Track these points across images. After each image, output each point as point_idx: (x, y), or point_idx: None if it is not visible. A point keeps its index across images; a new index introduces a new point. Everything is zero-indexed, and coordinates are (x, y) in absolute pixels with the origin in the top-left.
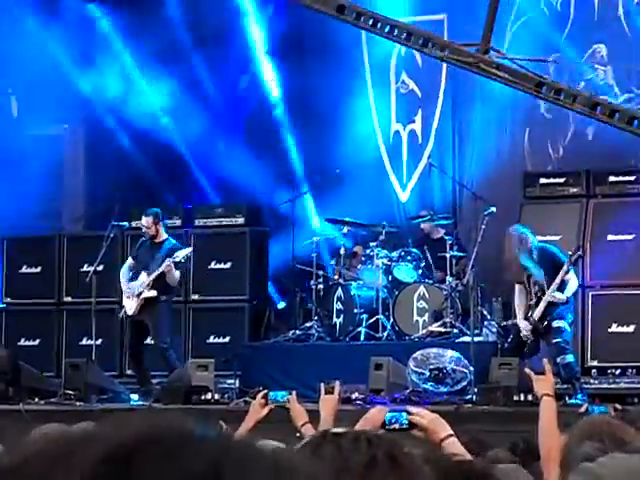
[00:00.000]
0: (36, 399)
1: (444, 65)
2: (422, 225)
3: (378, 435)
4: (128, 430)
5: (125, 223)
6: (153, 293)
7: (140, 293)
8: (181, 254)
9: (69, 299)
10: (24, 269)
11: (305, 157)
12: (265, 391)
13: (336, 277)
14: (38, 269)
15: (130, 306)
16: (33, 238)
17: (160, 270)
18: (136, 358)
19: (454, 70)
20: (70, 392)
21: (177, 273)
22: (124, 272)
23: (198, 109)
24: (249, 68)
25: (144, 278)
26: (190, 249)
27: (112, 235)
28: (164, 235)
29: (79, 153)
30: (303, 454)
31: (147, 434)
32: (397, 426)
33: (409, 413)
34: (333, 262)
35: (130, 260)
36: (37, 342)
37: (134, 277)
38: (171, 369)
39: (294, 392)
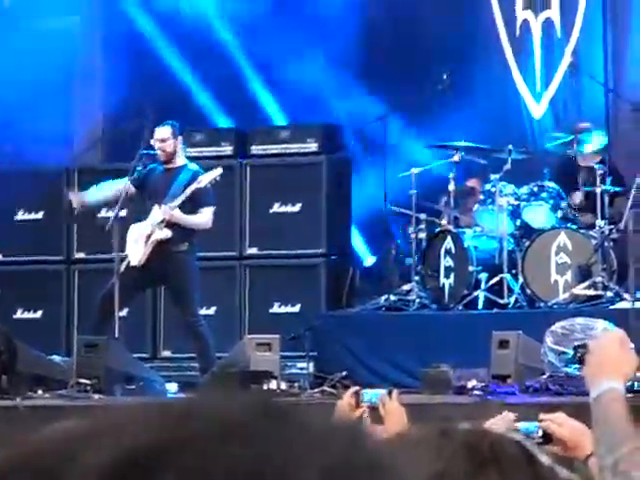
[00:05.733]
0: (39, 391)
1: None
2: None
3: (504, 437)
4: (146, 426)
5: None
6: (167, 233)
7: (150, 234)
8: (207, 177)
9: (82, 255)
10: (20, 215)
11: (399, 58)
12: (356, 388)
13: (444, 222)
14: (40, 214)
15: (136, 253)
16: (32, 171)
17: (182, 198)
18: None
19: None
20: (85, 382)
21: (208, 211)
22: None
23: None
24: None
25: (157, 214)
26: (220, 170)
27: (140, 168)
28: (182, 159)
29: (94, 54)
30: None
31: (173, 430)
32: None
33: (540, 421)
34: (440, 202)
35: (128, 185)
36: (39, 314)
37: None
38: (205, 348)
39: (395, 391)
